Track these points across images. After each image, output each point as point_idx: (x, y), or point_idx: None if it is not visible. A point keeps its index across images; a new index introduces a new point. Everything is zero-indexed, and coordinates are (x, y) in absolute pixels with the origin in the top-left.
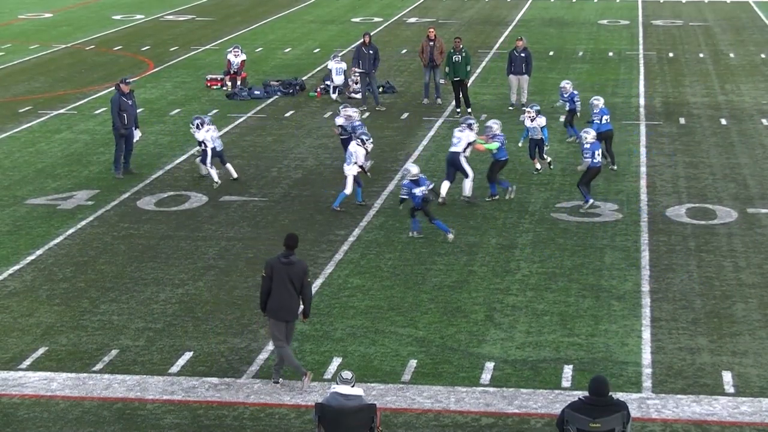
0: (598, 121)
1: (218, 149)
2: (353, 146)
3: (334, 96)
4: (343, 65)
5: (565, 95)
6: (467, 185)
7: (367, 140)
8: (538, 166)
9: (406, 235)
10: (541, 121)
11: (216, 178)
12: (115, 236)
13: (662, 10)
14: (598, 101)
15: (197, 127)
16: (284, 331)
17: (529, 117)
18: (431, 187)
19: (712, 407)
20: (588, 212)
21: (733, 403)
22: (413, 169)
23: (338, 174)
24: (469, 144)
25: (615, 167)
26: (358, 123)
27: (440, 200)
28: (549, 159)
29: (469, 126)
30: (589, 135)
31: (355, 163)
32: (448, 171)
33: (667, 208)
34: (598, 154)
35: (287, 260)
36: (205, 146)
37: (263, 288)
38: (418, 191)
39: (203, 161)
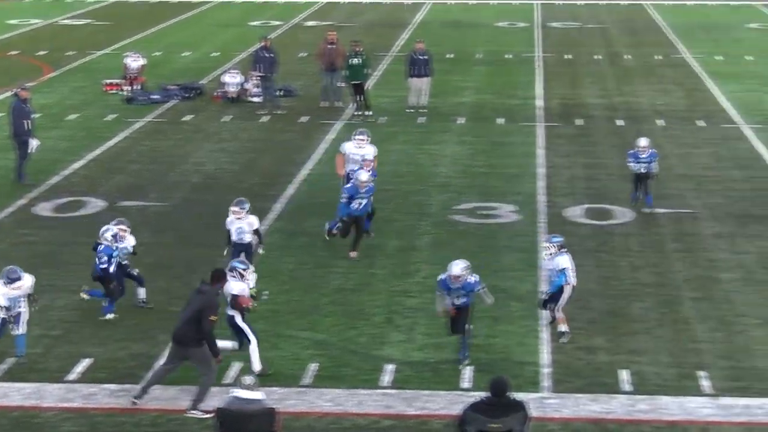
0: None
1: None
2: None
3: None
4: (238, 78)
5: (642, 156)
6: None
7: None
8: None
9: (304, 239)
10: (563, 260)
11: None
12: (11, 243)
13: (560, 13)
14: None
15: None
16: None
17: (548, 253)
18: None
19: (610, 405)
20: (488, 214)
21: (631, 401)
22: None
23: (236, 178)
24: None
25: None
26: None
27: None
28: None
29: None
30: None
31: None
32: None
33: (565, 208)
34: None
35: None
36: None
37: None
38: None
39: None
